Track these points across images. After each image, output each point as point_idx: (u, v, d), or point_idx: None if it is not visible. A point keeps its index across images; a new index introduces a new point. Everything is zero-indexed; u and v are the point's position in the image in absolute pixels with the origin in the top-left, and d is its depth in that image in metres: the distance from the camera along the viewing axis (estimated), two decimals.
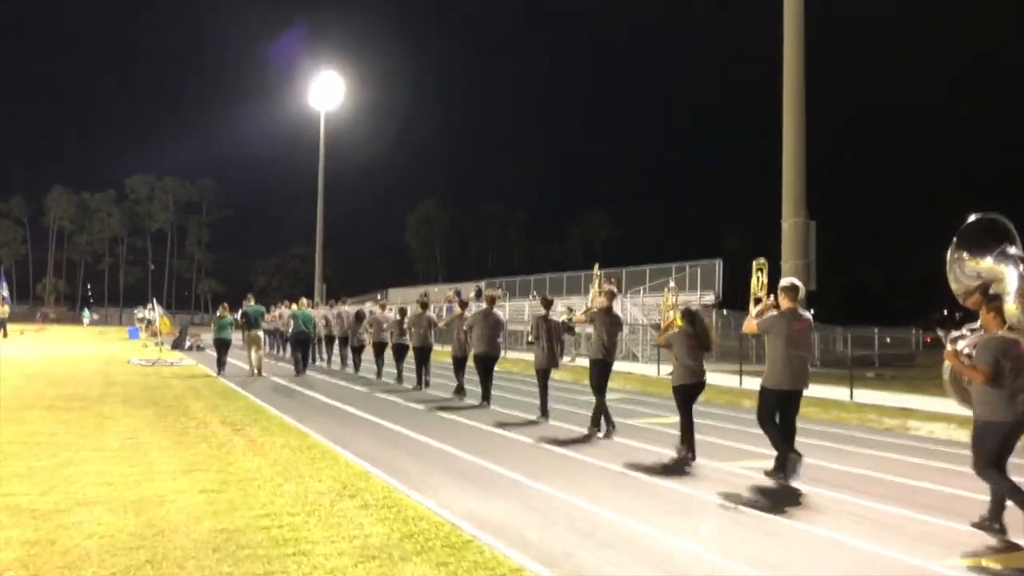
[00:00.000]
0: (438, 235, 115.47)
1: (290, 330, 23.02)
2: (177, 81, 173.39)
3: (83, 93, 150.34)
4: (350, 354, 23.45)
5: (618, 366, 27.26)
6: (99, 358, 26.75)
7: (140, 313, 49.24)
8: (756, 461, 9.80)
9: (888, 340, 39.08)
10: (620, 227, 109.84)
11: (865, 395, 18.10)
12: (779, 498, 8.09)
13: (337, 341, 25.05)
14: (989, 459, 6.55)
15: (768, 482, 8.72)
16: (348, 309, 24.58)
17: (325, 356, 26.76)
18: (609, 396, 12.41)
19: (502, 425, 12.80)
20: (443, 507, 7.20)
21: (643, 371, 25.05)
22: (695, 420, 10.29)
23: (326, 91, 54.23)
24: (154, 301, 34.11)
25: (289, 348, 26.74)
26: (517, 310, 42.22)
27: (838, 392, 19.14)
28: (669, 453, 10.32)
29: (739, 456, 10.54)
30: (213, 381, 19.18)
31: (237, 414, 13.07)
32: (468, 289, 55.36)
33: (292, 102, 64.55)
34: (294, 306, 27.05)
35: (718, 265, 34.31)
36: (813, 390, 19.59)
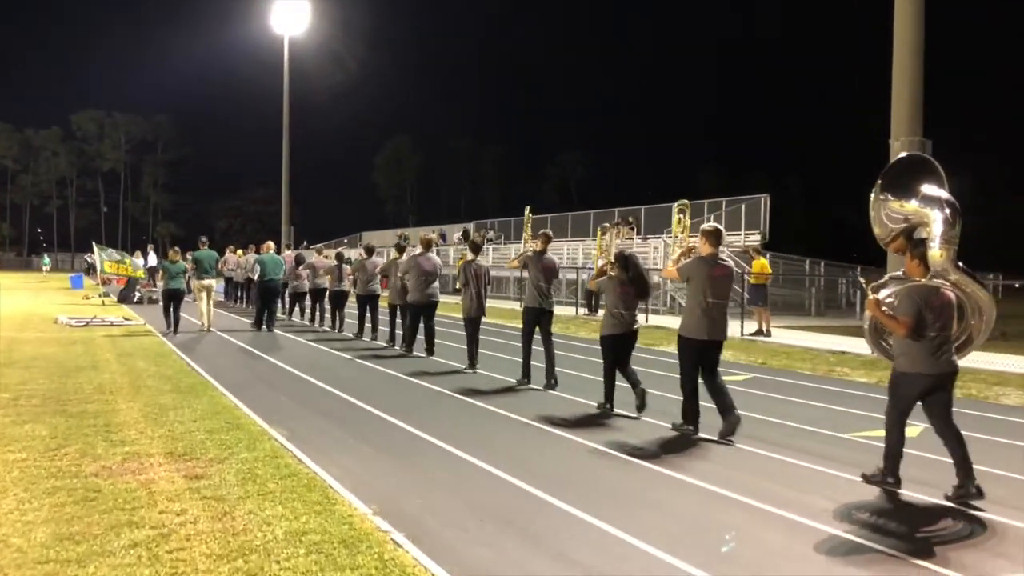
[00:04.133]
0: (408, 174, 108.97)
1: (254, 277, 19.88)
2: (126, 5, 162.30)
3: (22, 19, 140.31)
4: (288, 301, 21.87)
5: (659, 320, 22.41)
6: (15, 317, 20.92)
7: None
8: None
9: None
10: (594, 167, 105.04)
11: None
12: (674, 448, 7.67)
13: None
14: (899, 409, 6.30)
15: (677, 435, 8.23)
16: (288, 254, 22.38)
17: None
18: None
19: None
20: None
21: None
22: None
23: (290, 13, 48.90)
24: (94, 244, 28.40)
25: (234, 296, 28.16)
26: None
27: (993, 359, 14.13)
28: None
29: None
30: (161, 353, 13.78)
31: (196, 430, 7.78)
32: (454, 231, 50.29)
33: (253, 27, 59.31)
34: (239, 251, 28.05)
35: (764, 201, 29.19)
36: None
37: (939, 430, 6.26)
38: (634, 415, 9.08)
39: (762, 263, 19.42)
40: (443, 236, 50.01)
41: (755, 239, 28.63)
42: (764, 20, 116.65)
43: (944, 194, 6.41)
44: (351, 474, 6.37)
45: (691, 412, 8.26)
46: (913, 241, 6.45)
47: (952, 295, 6.27)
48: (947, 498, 6.06)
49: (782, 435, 8.36)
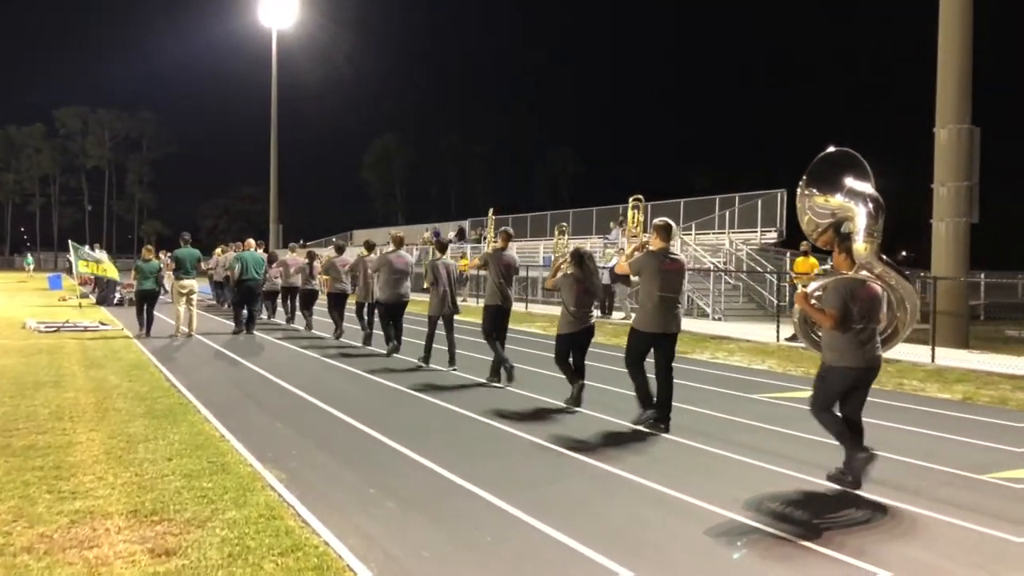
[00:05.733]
0: (398, 171, 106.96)
1: (233, 275, 18.30)
2: None
3: (4, 14, 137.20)
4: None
5: (705, 327, 20.77)
6: None
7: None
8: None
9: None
10: (586, 165, 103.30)
11: None
12: (615, 443, 7.61)
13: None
14: (826, 402, 6.35)
15: (627, 431, 8.15)
16: (296, 256, 20.79)
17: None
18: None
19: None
20: None
21: (722, 330, 18.38)
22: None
23: (278, 6, 47.49)
24: (70, 243, 26.67)
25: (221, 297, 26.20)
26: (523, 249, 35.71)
27: None
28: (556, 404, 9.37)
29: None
30: (136, 364, 12.14)
31: (170, 474, 6.17)
32: (448, 229, 48.66)
33: (241, 20, 57.72)
34: (218, 250, 27.42)
35: (780, 196, 27.48)
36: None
37: (847, 421, 6.37)
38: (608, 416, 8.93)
39: (811, 262, 17.86)
40: (436, 234, 48.38)
41: (771, 237, 27.09)
42: (759, 19, 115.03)
43: (868, 188, 6.48)
44: (374, 545, 4.77)
45: (646, 397, 8.35)
46: (840, 235, 6.55)
47: (878, 288, 6.37)
48: (828, 476, 6.40)
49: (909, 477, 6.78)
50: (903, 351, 14.63)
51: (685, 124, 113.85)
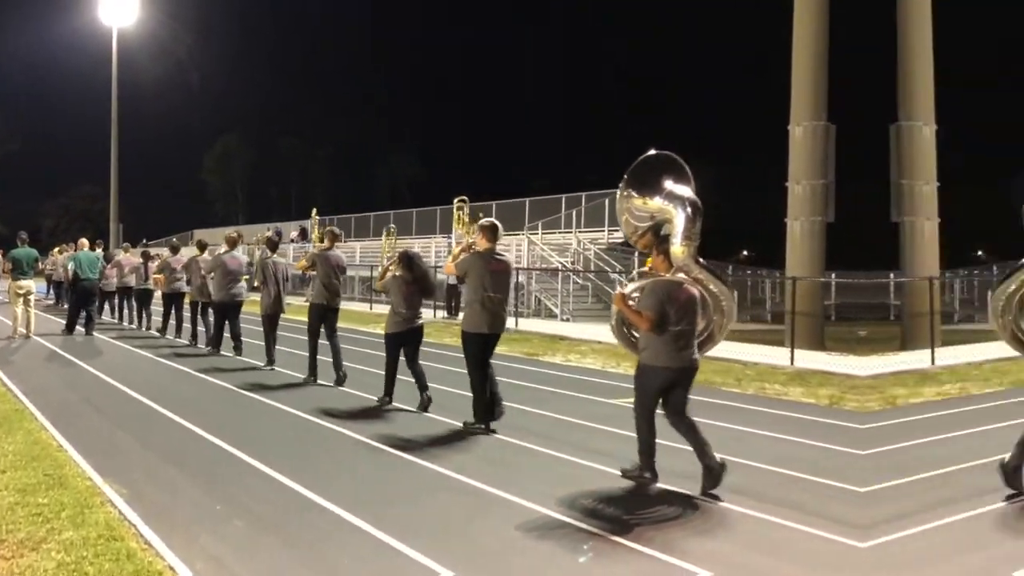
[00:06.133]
0: (238, 172, 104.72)
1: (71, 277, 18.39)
2: None
3: None
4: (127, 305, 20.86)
5: (528, 324, 20.97)
6: None
7: None
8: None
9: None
10: (427, 167, 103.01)
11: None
12: (441, 442, 7.88)
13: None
14: (646, 400, 6.48)
15: (480, 436, 8.18)
16: (130, 256, 21.12)
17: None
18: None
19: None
20: None
21: (571, 332, 18.66)
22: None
23: (118, 4, 45.86)
24: None
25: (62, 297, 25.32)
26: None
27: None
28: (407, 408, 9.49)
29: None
30: None
31: (3, 489, 5.98)
32: (290, 228, 48.37)
33: (81, 17, 55.45)
34: (56, 249, 28.02)
35: None
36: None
37: (673, 423, 6.46)
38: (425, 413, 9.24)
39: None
40: (279, 233, 47.49)
41: (619, 236, 27.38)
42: (609, 17, 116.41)
43: (687, 192, 6.58)
44: (222, 569, 4.65)
45: (483, 411, 8.35)
46: (659, 238, 6.64)
47: (695, 291, 6.48)
48: (622, 471, 6.60)
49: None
50: (761, 353, 15.01)
51: (527, 125, 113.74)
